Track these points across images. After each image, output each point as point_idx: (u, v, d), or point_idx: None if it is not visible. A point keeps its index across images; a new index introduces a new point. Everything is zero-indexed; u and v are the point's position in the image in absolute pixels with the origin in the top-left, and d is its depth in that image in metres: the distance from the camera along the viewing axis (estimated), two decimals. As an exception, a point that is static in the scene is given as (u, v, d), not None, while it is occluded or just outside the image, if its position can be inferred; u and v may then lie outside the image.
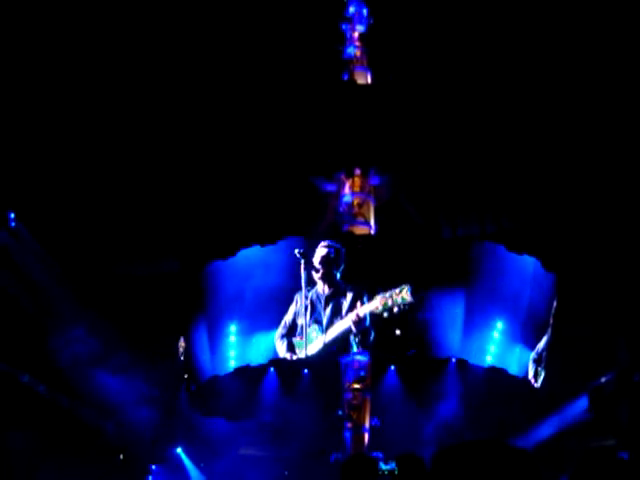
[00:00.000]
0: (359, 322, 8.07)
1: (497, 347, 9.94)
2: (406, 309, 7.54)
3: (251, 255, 9.73)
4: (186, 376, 9.80)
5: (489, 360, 9.81)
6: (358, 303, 8.10)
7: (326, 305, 8.70)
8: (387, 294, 7.62)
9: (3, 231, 9.74)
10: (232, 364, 9.79)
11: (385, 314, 7.70)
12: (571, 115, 9.88)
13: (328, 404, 9.15)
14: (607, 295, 9.34)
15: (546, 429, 9.40)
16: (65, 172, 10.19)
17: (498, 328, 9.94)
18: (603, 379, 8.81)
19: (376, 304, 7.77)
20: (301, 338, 8.65)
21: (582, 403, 9.28)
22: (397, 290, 7.56)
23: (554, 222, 9.95)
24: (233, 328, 9.96)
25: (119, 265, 10.21)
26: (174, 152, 10.31)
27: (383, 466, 6.05)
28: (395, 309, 7.57)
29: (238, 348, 9.95)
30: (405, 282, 7.58)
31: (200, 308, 9.94)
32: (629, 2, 9.67)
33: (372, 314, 7.98)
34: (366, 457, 5.09)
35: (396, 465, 5.13)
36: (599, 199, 9.93)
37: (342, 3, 10.52)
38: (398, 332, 8.95)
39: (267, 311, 9.52)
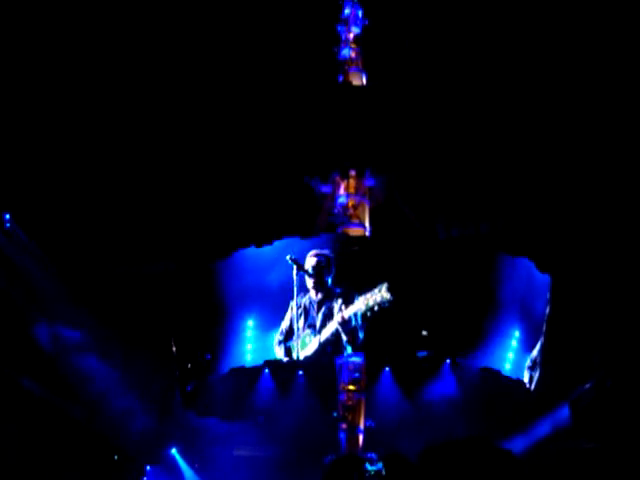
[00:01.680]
0: (345, 323, 8.41)
1: (514, 354, 10.02)
2: (386, 306, 7.89)
3: (268, 251, 9.80)
4: (190, 369, 9.79)
5: (507, 368, 9.89)
6: (343, 306, 8.41)
7: (318, 309, 8.93)
8: (368, 294, 8.01)
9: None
10: (249, 358, 9.96)
11: (368, 314, 8.08)
12: (566, 117, 9.89)
13: (323, 405, 9.17)
14: (591, 300, 9.36)
15: (541, 431, 9.41)
16: (61, 173, 10.21)
17: (516, 336, 10.02)
18: (582, 388, 8.87)
19: (359, 305, 8.16)
20: (297, 342, 8.81)
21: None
22: (376, 290, 7.93)
23: (549, 223, 9.95)
24: (251, 323, 10.09)
25: (116, 264, 10.23)
26: (169, 152, 10.33)
27: (369, 467, 6.10)
28: (376, 307, 7.96)
29: (256, 342, 10.08)
30: (382, 281, 7.96)
31: (213, 303, 10.02)
32: (629, 2, 9.69)
33: (356, 315, 8.32)
34: (352, 458, 5.09)
35: (383, 465, 5.16)
36: (594, 200, 9.94)
37: (337, 5, 10.56)
38: (424, 332, 9.16)
39: (285, 306, 9.62)
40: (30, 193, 10.05)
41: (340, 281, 9.03)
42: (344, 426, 8.99)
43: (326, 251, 9.07)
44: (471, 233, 10.13)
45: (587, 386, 8.73)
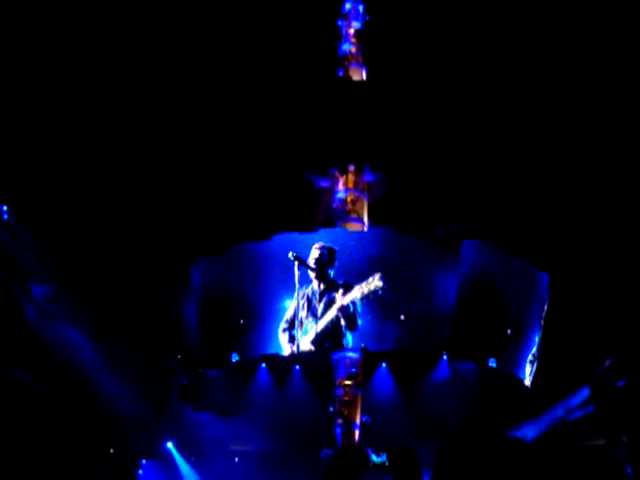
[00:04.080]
0: (343, 310, 8.73)
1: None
2: (379, 293, 8.43)
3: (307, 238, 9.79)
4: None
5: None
6: (341, 294, 8.71)
7: (320, 300, 9.12)
8: (363, 283, 8.49)
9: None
10: None
11: (364, 300, 8.64)
12: (564, 116, 9.92)
13: (319, 400, 9.16)
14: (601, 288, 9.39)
15: (538, 427, 9.43)
16: (58, 166, 10.18)
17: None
18: (603, 366, 8.92)
19: (355, 294, 8.57)
20: (300, 330, 9.02)
21: (574, 401, 9.32)
22: (370, 279, 8.43)
23: (547, 222, 9.98)
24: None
25: (116, 257, 10.22)
26: (168, 148, 10.31)
27: (374, 458, 6.12)
28: (370, 296, 8.50)
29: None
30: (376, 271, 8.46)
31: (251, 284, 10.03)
32: (629, 2, 9.72)
33: (353, 302, 8.67)
34: (357, 449, 5.10)
35: (387, 457, 5.18)
36: (593, 200, 9.97)
37: (338, 0, 10.58)
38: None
39: None
40: (28, 186, 10.04)
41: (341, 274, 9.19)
42: (340, 421, 8.99)
43: (330, 244, 9.20)
44: (470, 231, 10.15)
45: (607, 363, 8.79)
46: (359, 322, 8.88)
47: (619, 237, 9.88)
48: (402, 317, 9.55)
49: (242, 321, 9.89)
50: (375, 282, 8.35)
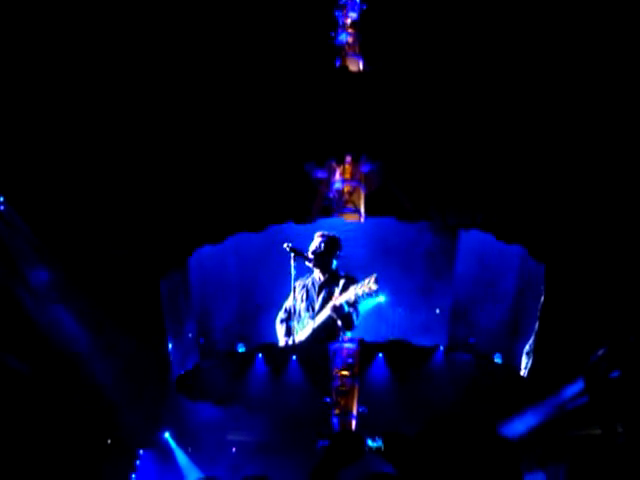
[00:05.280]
0: (337, 310, 8.68)
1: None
2: (372, 295, 8.42)
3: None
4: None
5: None
6: (336, 293, 8.65)
7: (319, 292, 9.00)
8: (358, 285, 8.41)
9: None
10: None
11: (358, 301, 8.60)
12: (558, 105, 9.93)
13: (316, 390, 9.17)
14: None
15: (533, 417, 9.46)
16: (54, 156, 10.18)
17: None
18: (597, 355, 8.91)
19: (349, 294, 8.52)
20: (297, 323, 8.97)
21: (569, 391, 9.34)
22: (366, 280, 8.34)
23: (544, 213, 9.99)
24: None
25: (113, 247, 10.22)
26: (164, 139, 10.31)
27: (370, 442, 6.17)
28: (365, 297, 8.49)
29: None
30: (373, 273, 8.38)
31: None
32: (629, 2, 9.73)
33: (348, 302, 8.60)
34: (352, 434, 5.11)
35: (382, 442, 5.20)
36: (589, 192, 9.99)
37: (335, -10, 10.55)
38: None
39: None
40: (24, 176, 10.04)
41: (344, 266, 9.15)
42: (337, 411, 9.00)
43: (332, 233, 9.07)
44: (467, 222, 10.14)
45: (600, 353, 8.78)
46: (355, 322, 8.75)
47: (612, 228, 9.89)
48: (437, 311, 9.35)
49: (257, 304, 9.73)
50: (370, 284, 8.28)
